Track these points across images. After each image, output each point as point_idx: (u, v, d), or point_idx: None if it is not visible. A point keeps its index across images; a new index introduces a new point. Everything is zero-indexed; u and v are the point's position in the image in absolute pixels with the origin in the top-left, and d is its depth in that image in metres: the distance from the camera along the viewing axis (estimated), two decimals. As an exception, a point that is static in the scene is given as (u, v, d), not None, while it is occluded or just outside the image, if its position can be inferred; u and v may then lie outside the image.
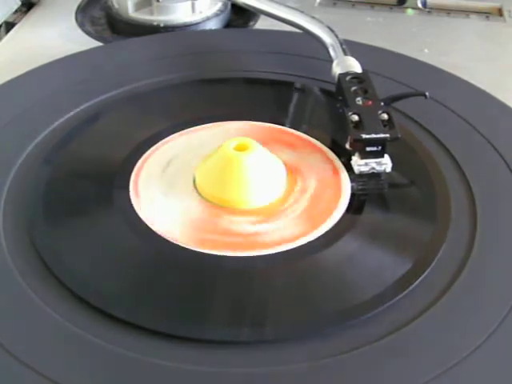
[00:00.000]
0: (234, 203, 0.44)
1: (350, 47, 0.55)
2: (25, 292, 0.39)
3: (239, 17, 0.72)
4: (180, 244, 0.42)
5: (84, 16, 0.72)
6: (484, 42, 0.69)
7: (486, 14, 0.75)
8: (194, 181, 0.46)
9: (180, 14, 0.68)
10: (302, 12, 0.61)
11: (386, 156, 0.46)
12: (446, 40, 0.69)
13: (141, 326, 0.37)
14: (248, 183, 0.44)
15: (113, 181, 0.46)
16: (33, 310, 0.38)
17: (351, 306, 0.38)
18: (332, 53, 0.55)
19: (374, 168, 0.46)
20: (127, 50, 0.62)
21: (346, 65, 0.53)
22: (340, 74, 0.51)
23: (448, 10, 0.75)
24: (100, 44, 0.66)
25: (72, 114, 0.52)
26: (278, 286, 0.40)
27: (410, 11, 0.75)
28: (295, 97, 0.56)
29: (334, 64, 0.54)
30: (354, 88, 0.50)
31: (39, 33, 0.69)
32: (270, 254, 0.41)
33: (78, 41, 0.67)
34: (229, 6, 0.71)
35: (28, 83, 0.56)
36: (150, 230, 0.43)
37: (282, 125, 0.52)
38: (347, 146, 0.47)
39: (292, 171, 0.47)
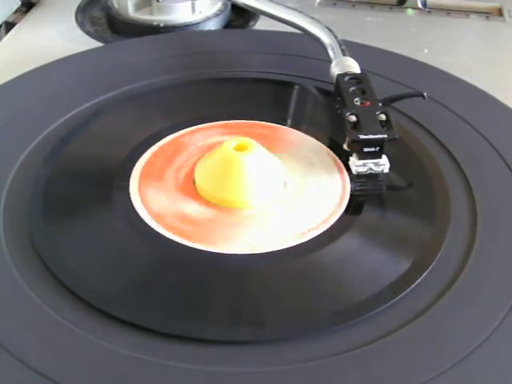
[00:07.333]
0: (233, 203, 0.44)
1: (349, 47, 0.55)
2: (24, 292, 0.39)
3: (239, 17, 0.72)
4: (180, 243, 0.42)
5: (84, 16, 0.72)
6: (484, 42, 0.69)
7: (485, 14, 0.75)
8: (194, 181, 0.46)
9: (180, 14, 0.68)
10: (301, 12, 0.61)
11: (384, 157, 0.46)
12: (445, 40, 0.69)
13: (141, 326, 0.37)
14: (248, 183, 0.44)
15: (113, 181, 0.46)
16: (33, 309, 0.38)
17: (350, 306, 0.38)
18: (331, 53, 0.55)
19: (371, 169, 0.46)
20: (127, 50, 0.62)
21: (345, 65, 0.53)
22: (338, 75, 0.51)
23: (448, 10, 0.75)
24: (100, 44, 0.66)
25: (72, 114, 0.52)
26: (277, 286, 0.40)
27: (410, 11, 0.75)
28: (294, 97, 0.56)
29: (333, 64, 0.54)
30: (352, 88, 0.50)
31: (39, 33, 0.69)
32: (268, 254, 0.41)
33: (78, 41, 0.67)
34: (229, 6, 0.71)
35: (28, 83, 0.56)
36: (151, 229, 0.43)
37: (282, 124, 0.52)
38: (345, 146, 0.47)
39: (291, 171, 0.47)
